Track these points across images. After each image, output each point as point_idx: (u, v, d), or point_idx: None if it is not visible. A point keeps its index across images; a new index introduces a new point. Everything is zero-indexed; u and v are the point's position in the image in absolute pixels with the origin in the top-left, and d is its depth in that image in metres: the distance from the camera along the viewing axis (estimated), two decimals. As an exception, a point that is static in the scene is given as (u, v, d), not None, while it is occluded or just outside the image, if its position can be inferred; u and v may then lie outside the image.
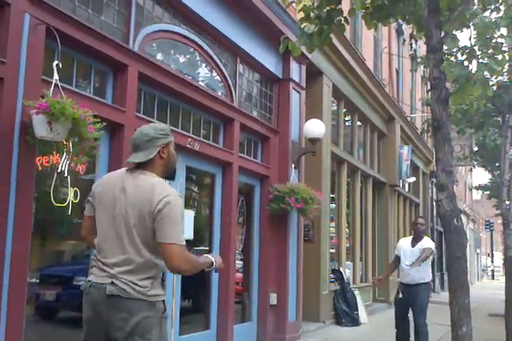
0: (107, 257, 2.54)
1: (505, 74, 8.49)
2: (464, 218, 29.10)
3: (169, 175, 2.73)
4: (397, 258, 6.88)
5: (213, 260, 2.69)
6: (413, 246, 6.66)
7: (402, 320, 6.71)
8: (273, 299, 7.37)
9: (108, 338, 2.49)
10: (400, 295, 6.67)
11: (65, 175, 3.93)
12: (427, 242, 6.65)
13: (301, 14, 5.10)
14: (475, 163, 17.33)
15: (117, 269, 2.48)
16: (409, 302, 6.54)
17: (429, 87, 4.49)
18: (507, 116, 9.21)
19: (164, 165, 2.65)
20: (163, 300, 2.56)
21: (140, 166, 2.61)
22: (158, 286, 2.56)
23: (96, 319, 2.50)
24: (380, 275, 7.08)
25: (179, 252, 2.44)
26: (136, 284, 2.46)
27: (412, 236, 6.87)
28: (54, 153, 3.88)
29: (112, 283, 2.45)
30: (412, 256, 6.58)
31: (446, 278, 9.16)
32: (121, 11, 5.06)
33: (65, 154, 3.86)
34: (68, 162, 3.89)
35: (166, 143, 2.64)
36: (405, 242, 6.89)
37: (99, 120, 3.94)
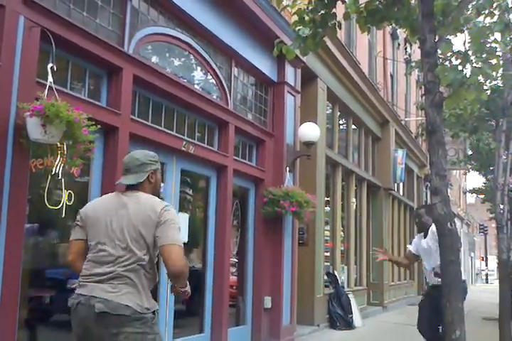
0: (99, 270, 2.59)
1: (499, 78, 8.54)
2: (458, 222, 29.15)
3: None
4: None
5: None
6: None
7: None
8: (267, 302, 7.36)
9: None
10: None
11: (59, 177, 3.91)
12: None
13: (295, 17, 5.11)
14: (469, 166, 17.38)
15: (109, 283, 2.52)
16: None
17: (423, 91, 4.50)
18: (501, 120, 9.22)
19: (151, 190, 2.84)
20: (154, 311, 2.61)
21: (131, 188, 2.78)
22: (149, 298, 2.62)
23: (86, 335, 2.54)
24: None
25: (179, 251, 2.57)
26: (130, 299, 2.50)
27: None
28: (48, 155, 3.86)
29: (101, 299, 2.49)
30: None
31: (440, 281, 9.11)
32: (116, 13, 5.06)
33: (59, 157, 3.84)
34: (62, 164, 3.88)
35: (155, 169, 2.85)
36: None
37: (93, 123, 3.94)
